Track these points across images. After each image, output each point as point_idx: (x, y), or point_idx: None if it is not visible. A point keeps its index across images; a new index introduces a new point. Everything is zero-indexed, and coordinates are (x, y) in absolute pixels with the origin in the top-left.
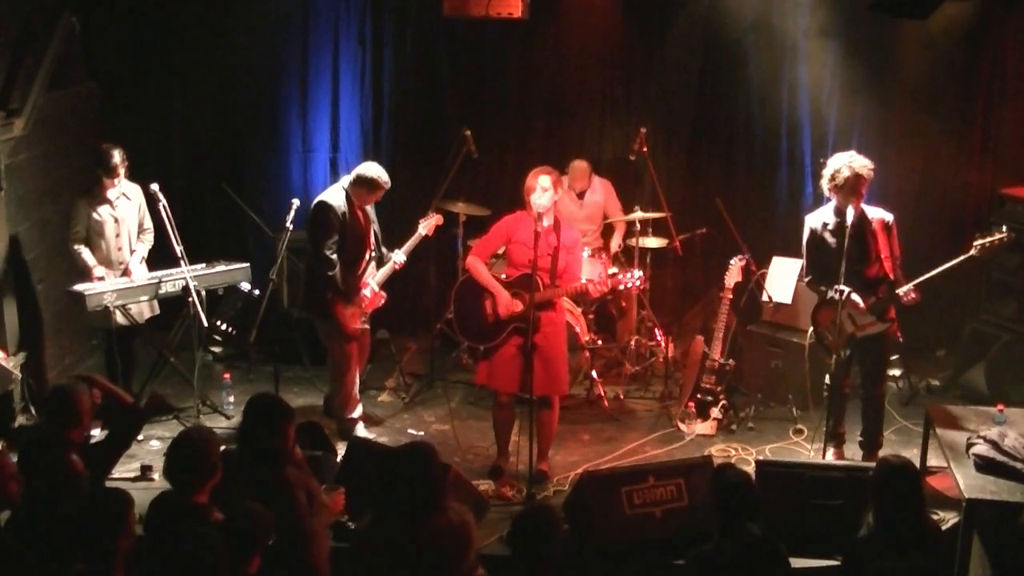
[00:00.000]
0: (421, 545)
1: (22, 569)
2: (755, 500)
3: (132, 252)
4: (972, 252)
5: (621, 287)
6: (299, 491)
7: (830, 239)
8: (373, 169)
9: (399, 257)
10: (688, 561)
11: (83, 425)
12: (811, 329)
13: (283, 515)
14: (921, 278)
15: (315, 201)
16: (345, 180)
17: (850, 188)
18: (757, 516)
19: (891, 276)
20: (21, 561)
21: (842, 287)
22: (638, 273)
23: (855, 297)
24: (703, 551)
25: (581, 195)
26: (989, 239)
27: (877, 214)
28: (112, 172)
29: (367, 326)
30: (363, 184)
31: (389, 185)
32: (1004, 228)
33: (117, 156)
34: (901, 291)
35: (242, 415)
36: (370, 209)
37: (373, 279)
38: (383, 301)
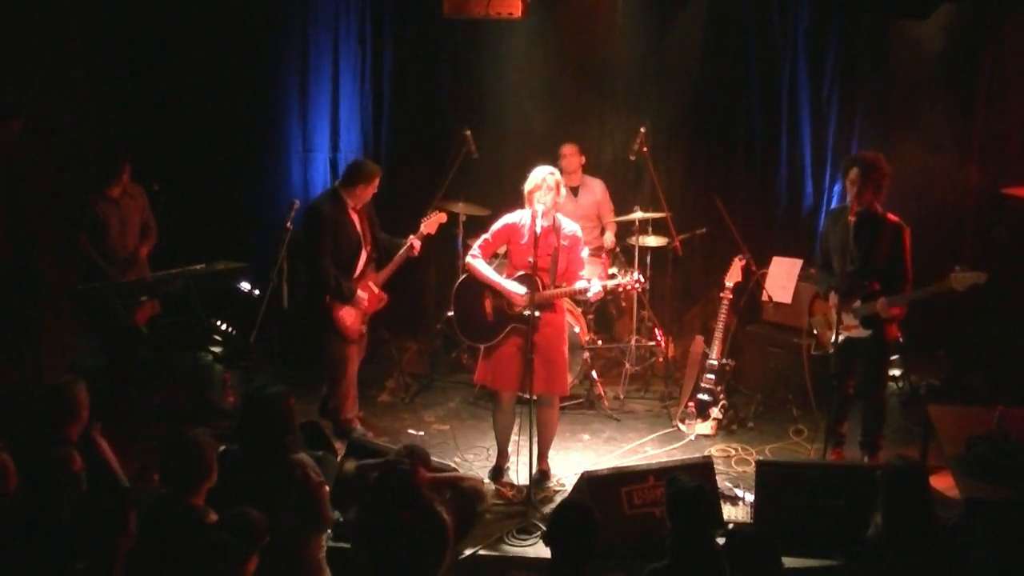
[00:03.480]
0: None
1: (21, 568)
2: (710, 510)
3: (135, 252)
4: (951, 284)
5: (620, 289)
6: (311, 471)
7: (836, 233)
8: (362, 163)
9: (415, 241)
10: None
11: (81, 420)
12: (808, 319)
13: (301, 497)
14: (895, 298)
15: (305, 209)
16: (338, 182)
17: (851, 179)
18: (714, 527)
19: (877, 288)
20: (20, 560)
21: (835, 283)
22: (636, 275)
23: (833, 296)
24: (657, 568)
25: (575, 192)
26: (967, 275)
27: (891, 222)
28: (118, 178)
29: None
30: (357, 178)
31: (380, 172)
32: (979, 273)
33: (123, 161)
34: (879, 306)
35: (243, 412)
36: (372, 211)
37: (372, 281)
38: (384, 303)
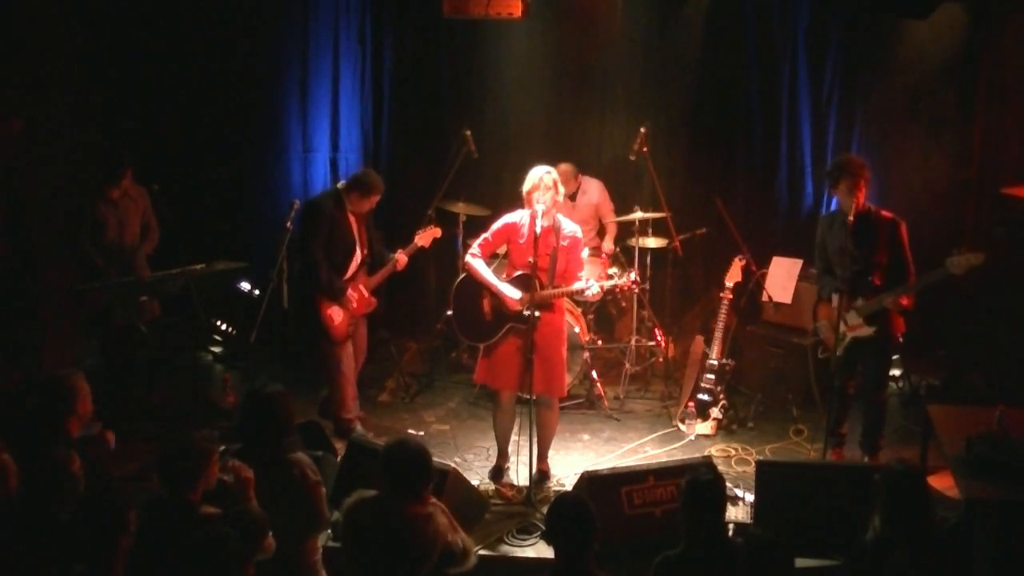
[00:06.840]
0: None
1: (21, 569)
2: (722, 501)
3: (135, 252)
4: (948, 268)
5: (617, 290)
6: (309, 470)
7: (834, 238)
8: (367, 174)
9: (401, 257)
10: (655, 566)
11: (78, 414)
12: (814, 324)
13: (297, 497)
14: (899, 289)
15: (305, 203)
16: (342, 183)
17: (845, 188)
18: (720, 517)
19: (880, 284)
20: (20, 561)
21: (838, 285)
22: (633, 276)
23: (835, 297)
24: (670, 555)
25: (572, 197)
26: (963, 257)
27: (886, 218)
28: (119, 177)
29: (356, 327)
30: (355, 187)
31: (382, 190)
32: (976, 254)
33: (124, 160)
34: (887, 300)
35: (244, 408)
36: (370, 220)
37: (363, 284)
38: (373, 307)
